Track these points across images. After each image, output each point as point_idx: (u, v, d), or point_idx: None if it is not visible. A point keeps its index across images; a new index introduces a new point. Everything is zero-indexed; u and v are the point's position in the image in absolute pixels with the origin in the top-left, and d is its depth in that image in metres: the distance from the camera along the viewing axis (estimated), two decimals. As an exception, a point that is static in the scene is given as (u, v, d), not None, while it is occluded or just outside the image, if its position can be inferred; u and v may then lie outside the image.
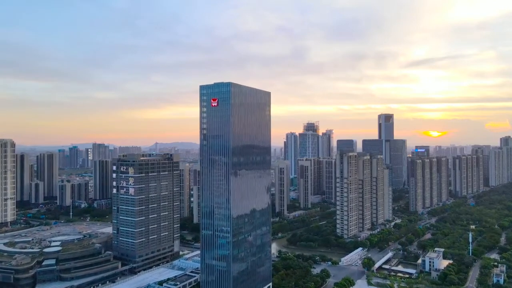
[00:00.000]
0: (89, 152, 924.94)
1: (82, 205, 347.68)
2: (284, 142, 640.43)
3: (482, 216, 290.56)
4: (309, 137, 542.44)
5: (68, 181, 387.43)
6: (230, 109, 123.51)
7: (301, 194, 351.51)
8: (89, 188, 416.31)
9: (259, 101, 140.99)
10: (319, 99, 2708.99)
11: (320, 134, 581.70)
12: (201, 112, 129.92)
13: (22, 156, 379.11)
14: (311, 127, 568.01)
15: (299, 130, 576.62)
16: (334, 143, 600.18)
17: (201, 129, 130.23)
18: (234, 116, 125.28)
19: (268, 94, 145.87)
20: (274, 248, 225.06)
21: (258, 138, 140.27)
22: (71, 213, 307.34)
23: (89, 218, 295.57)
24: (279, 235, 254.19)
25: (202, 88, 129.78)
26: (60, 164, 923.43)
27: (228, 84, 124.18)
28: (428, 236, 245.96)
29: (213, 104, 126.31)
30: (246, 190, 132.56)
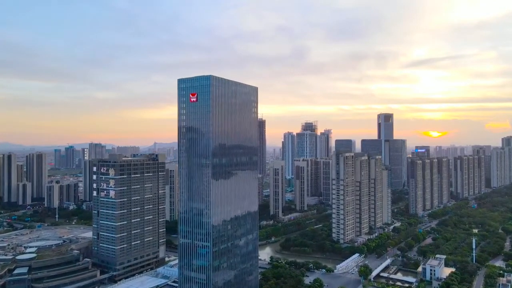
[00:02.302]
0: (86, 152, 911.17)
1: (70, 207, 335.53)
2: (282, 142, 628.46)
3: (484, 219, 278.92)
4: (307, 137, 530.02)
5: (57, 182, 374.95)
6: (211, 105, 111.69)
7: (297, 195, 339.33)
8: (80, 189, 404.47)
9: (245, 96, 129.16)
10: (319, 99, 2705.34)
11: (319, 134, 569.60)
12: (179, 108, 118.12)
13: (9, 156, 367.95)
14: (309, 127, 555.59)
15: (298, 130, 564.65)
16: (332, 143, 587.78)
17: (179, 127, 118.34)
18: (215, 113, 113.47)
19: (255, 89, 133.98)
20: (267, 253, 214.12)
21: (244, 136, 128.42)
22: (57, 216, 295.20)
23: (75, 221, 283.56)
24: (273, 239, 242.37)
25: (180, 82, 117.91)
26: (57, 164, 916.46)
27: (208, 77, 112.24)
28: (428, 240, 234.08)
29: (191, 100, 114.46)
30: (230, 194, 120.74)
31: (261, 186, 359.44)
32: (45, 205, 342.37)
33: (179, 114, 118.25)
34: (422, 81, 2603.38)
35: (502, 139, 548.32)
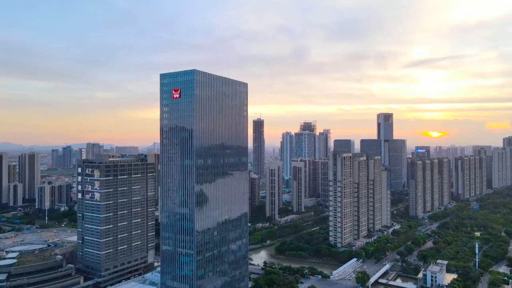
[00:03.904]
0: (83, 152, 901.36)
1: (62, 209, 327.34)
2: (281, 142, 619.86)
3: (487, 221, 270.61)
4: (305, 136, 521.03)
5: (50, 182, 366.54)
6: (194, 102, 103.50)
7: (294, 197, 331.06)
8: (73, 190, 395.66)
9: (234, 93, 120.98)
10: (320, 99, 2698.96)
11: (317, 133, 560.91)
12: (162, 105, 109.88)
13: (0, 156, 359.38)
14: (307, 127, 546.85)
15: (297, 130, 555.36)
16: (331, 143, 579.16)
17: (161, 125, 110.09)
18: (200, 110, 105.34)
19: (244, 85, 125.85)
20: (261, 257, 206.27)
21: (232, 136, 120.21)
22: (46, 218, 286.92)
23: (65, 223, 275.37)
24: (268, 242, 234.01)
25: (162, 77, 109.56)
26: (54, 165, 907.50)
27: (192, 72, 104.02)
28: (429, 244, 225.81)
29: (174, 96, 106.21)
30: (216, 198, 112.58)
31: (258, 187, 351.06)
32: (36, 207, 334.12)
33: (161, 112, 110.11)
34: (422, 81, 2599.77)
35: (504, 139, 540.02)
